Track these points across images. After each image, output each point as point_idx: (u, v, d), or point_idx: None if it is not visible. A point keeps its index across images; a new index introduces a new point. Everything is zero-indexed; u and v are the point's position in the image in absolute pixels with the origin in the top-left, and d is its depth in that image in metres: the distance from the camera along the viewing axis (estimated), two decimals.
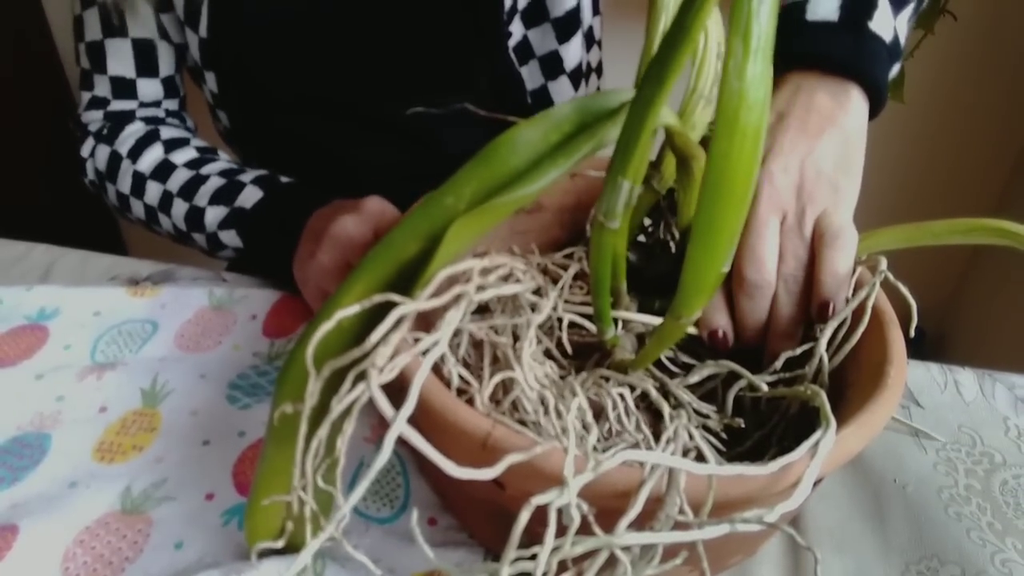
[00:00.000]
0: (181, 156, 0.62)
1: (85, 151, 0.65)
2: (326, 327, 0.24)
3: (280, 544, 0.29)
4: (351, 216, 0.48)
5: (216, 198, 0.57)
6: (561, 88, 0.66)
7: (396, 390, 0.26)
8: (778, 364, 0.36)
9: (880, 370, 0.32)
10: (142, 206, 0.62)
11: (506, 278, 0.35)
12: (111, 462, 0.42)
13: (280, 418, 0.27)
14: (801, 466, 0.26)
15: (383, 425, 0.43)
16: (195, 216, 0.58)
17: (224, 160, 0.62)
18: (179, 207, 0.59)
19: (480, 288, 0.29)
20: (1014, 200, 1.28)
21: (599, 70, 0.72)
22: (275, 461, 0.30)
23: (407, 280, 0.26)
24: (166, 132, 0.64)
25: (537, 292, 0.37)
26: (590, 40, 0.67)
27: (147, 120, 0.65)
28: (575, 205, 0.47)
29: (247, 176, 0.59)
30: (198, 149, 0.63)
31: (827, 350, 0.35)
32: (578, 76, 0.66)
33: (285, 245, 0.52)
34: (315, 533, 0.25)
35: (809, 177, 0.37)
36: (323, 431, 0.23)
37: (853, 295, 0.35)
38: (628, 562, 0.22)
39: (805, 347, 0.36)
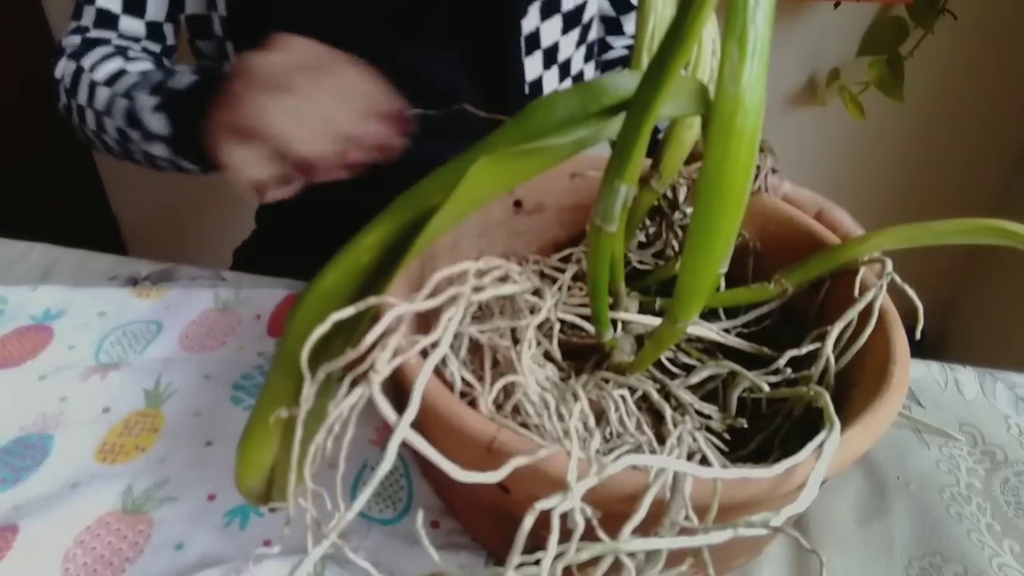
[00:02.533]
0: (138, 66, 0.60)
1: (58, 72, 0.63)
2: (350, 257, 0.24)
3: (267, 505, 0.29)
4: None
5: (154, 89, 0.55)
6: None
7: (399, 393, 0.26)
8: (782, 362, 0.36)
9: (884, 370, 0.32)
10: (93, 115, 0.59)
11: (503, 280, 0.35)
12: (113, 463, 0.42)
13: (286, 351, 0.26)
14: (806, 468, 0.26)
15: (388, 427, 0.43)
16: (132, 110, 0.56)
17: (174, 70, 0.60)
18: (120, 104, 0.57)
19: (477, 289, 0.28)
20: (1014, 200, 1.29)
21: None
22: (276, 390, 0.29)
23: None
24: (133, 54, 0.63)
25: (535, 294, 0.37)
26: (590, 52, 0.68)
27: (120, 47, 0.64)
28: (575, 205, 0.47)
29: (184, 67, 0.57)
30: (156, 64, 0.62)
31: (833, 351, 0.35)
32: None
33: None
34: (299, 483, 0.24)
35: None
36: (321, 436, 0.23)
37: (860, 296, 0.35)
38: (633, 568, 0.22)
39: (811, 347, 0.36)
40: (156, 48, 0.66)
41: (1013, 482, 0.43)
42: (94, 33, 0.64)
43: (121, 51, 0.62)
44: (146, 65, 0.61)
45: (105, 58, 0.61)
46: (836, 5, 1.13)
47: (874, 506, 0.42)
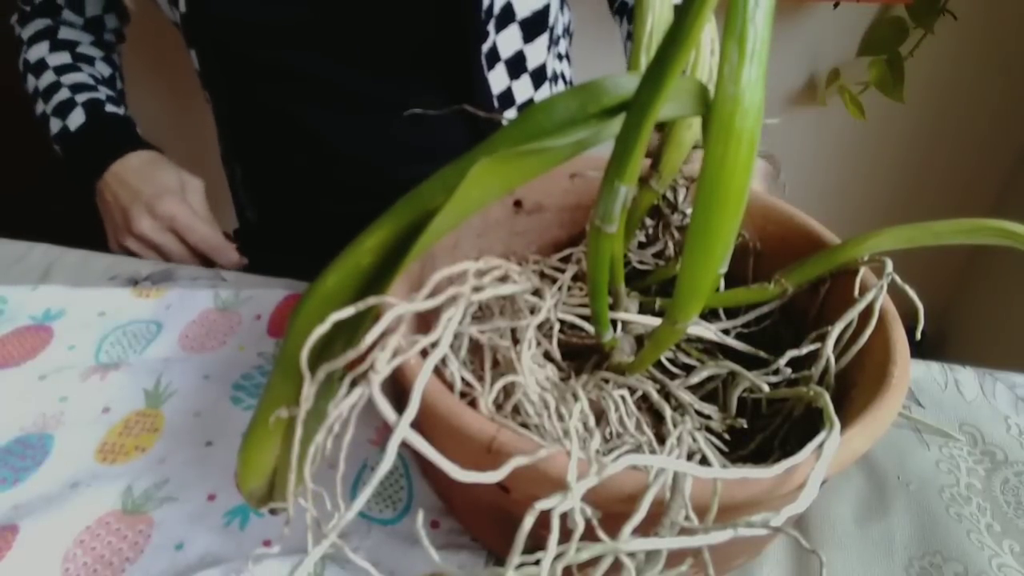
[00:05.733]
0: (57, 59, 0.67)
1: (13, 19, 0.72)
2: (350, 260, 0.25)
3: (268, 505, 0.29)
4: (147, 218, 0.62)
5: (57, 110, 0.65)
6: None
7: (399, 393, 0.26)
8: (782, 362, 0.36)
9: (884, 370, 0.32)
10: (28, 90, 0.70)
11: (503, 280, 0.35)
12: (113, 463, 0.42)
13: (287, 355, 0.27)
14: (806, 468, 0.26)
15: (388, 427, 0.43)
16: (44, 121, 0.67)
17: (88, 71, 0.68)
18: (39, 107, 0.67)
19: (477, 289, 0.28)
20: (1013, 199, 1.29)
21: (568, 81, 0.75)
22: (278, 393, 0.28)
23: None
24: (63, 32, 0.69)
25: (536, 294, 0.37)
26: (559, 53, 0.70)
27: (58, 22, 0.71)
28: (575, 205, 0.47)
29: (83, 96, 0.66)
30: (75, 55, 0.68)
31: (833, 351, 0.35)
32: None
33: (94, 174, 0.65)
34: (299, 483, 0.24)
35: None
36: (320, 436, 0.23)
37: (860, 296, 0.35)
38: (633, 568, 0.22)
39: (811, 348, 0.36)
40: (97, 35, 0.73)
41: (1013, 482, 0.43)
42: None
43: (51, 27, 0.69)
44: (63, 58, 0.68)
45: (37, 34, 0.69)
46: (836, 5, 1.13)
47: (874, 506, 0.42)
